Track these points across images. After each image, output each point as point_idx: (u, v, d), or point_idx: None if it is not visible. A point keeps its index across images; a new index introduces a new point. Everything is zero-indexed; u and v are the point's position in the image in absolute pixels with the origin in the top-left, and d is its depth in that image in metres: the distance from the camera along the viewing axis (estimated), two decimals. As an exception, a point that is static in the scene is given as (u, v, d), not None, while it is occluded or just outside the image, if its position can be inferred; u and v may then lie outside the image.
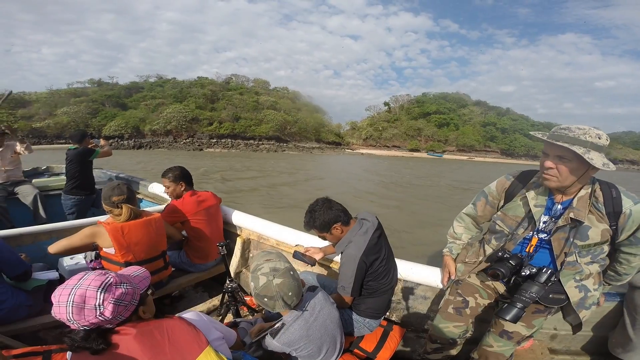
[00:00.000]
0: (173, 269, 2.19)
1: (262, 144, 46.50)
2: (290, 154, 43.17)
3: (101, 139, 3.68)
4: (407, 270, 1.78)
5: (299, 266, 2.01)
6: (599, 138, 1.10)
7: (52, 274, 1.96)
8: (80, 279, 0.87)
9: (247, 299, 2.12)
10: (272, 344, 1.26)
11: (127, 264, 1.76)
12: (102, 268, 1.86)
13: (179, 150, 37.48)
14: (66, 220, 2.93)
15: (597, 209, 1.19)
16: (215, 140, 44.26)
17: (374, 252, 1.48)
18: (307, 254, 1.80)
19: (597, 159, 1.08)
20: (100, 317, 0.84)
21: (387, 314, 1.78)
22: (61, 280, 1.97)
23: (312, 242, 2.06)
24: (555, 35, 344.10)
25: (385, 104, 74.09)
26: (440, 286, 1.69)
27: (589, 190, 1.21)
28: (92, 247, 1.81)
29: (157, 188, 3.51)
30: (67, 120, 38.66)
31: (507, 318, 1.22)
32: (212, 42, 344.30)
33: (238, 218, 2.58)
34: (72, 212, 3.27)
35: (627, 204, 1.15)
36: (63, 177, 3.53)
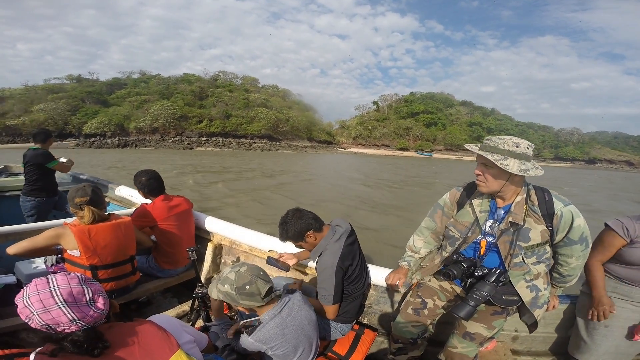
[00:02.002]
0: (141, 274, 2.13)
1: (255, 142, 45.84)
2: (285, 152, 42.69)
3: (66, 160, 3.30)
4: (378, 275, 1.79)
5: (273, 272, 1.99)
6: (517, 146, 1.21)
7: (9, 279, 1.89)
8: (51, 281, 0.83)
9: (218, 304, 2.08)
10: (247, 341, 1.27)
11: (92, 267, 1.72)
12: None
13: (167, 149, 36.58)
14: (24, 223, 2.80)
15: (533, 212, 1.28)
16: (205, 138, 43.38)
17: (348, 257, 1.53)
18: (280, 259, 1.80)
19: (513, 165, 1.18)
20: (98, 311, 0.84)
21: (359, 317, 1.78)
22: (19, 285, 1.89)
23: (286, 248, 2.03)
24: (535, 38, 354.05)
25: (374, 103, 74.82)
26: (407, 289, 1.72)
27: (524, 195, 1.30)
28: (56, 249, 1.74)
29: (125, 191, 3.40)
30: (45, 117, 37.01)
31: (460, 315, 1.28)
32: (197, 39, 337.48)
33: (210, 223, 2.53)
34: (32, 215, 3.09)
35: (558, 206, 1.24)
36: (22, 177, 3.28)
